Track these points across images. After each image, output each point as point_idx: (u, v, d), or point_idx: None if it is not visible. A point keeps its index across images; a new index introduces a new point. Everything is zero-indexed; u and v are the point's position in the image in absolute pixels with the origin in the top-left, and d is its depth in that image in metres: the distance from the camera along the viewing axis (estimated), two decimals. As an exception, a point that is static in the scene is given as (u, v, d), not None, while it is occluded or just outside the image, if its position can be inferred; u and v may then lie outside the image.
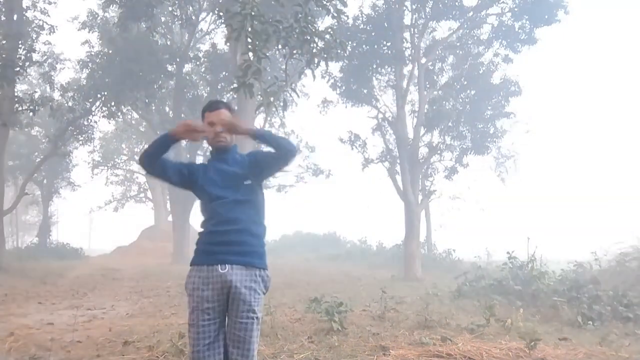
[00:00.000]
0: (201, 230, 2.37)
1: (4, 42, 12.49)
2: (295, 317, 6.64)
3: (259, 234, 2.37)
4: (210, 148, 2.52)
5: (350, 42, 14.92)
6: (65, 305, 8.01)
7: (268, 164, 2.39)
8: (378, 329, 5.81)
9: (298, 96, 15.15)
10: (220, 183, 2.35)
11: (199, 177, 2.41)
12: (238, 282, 2.20)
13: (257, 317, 2.24)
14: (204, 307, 2.18)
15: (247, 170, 2.37)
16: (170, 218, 23.73)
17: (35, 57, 13.64)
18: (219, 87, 17.79)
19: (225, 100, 2.63)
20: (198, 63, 18.44)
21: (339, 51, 6.88)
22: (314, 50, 6.26)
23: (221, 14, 10.12)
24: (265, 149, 2.38)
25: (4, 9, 13.65)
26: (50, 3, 15.20)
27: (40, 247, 22.69)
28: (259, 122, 16.68)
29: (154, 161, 2.35)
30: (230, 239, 2.25)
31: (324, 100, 19.91)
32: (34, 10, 14.67)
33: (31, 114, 12.77)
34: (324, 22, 14.52)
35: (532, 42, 15.62)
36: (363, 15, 15.75)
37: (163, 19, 18.53)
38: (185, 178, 2.43)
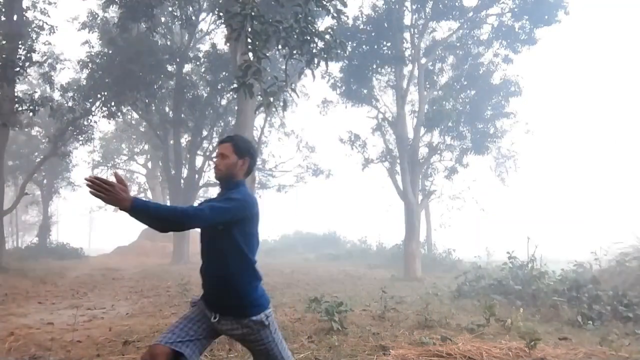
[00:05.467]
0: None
1: (4, 42, 12.49)
2: (295, 316, 6.64)
3: None
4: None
5: (350, 42, 14.93)
6: (65, 305, 8.01)
7: None
8: (378, 328, 5.81)
9: (298, 96, 15.15)
10: None
11: None
12: None
13: None
14: None
15: None
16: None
17: (35, 57, 13.62)
18: (219, 87, 17.78)
19: (238, 135, 2.59)
20: (198, 63, 18.44)
21: (339, 51, 6.87)
22: (314, 51, 6.25)
23: (221, 14, 10.13)
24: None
25: (4, 9, 13.64)
26: (50, 3, 15.20)
27: (40, 247, 22.70)
28: (259, 122, 16.67)
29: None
30: None
31: (324, 101, 19.93)
32: (34, 11, 14.67)
33: (31, 114, 12.77)
34: (324, 23, 14.52)
35: (532, 42, 15.63)
36: (363, 15, 15.77)
37: (163, 19, 18.52)
38: None
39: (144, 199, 2.02)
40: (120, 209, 1.94)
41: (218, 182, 2.43)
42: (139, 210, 1.93)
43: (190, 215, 2.04)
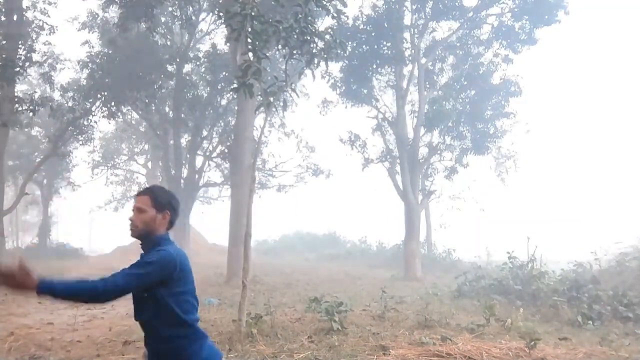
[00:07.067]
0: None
1: (4, 42, 12.49)
2: (295, 316, 6.64)
3: None
4: None
5: (350, 42, 14.93)
6: (65, 305, 8.00)
7: None
8: (378, 328, 5.81)
9: (298, 96, 15.15)
10: None
11: None
12: None
13: None
14: None
15: None
16: (170, 218, 23.66)
17: (35, 57, 13.63)
18: (219, 87, 17.78)
19: (156, 186, 2.33)
20: (198, 63, 18.44)
21: (339, 51, 6.87)
22: (314, 51, 6.25)
23: (221, 14, 10.13)
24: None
25: (4, 9, 13.64)
26: (50, 3, 15.17)
27: (40, 247, 22.70)
28: (259, 122, 16.66)
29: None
30: None
31: (324, 100, 19.93)
32: (34, 11, 14.64)
33: (31, 114, 12.77)
34: (324, 22, 14.52)
35: (532, 42, 15.63)
36: (363, 15, 15.77)
37: (163, 19, 18.50)
38: None
39: (50, 280, 1.83)
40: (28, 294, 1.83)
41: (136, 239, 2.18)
42: (45, 294, 1.80)
43: (100, 290, 1.86)
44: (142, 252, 2.15)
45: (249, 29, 5.65)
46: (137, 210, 2.14)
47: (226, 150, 18.21)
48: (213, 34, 21.02)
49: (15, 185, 24.29)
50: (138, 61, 15.14)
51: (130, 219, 2.15)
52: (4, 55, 11.46)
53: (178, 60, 17.68)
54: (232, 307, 7.40)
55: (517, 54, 16.23)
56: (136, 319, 2.16)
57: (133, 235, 2.16)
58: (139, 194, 2.21)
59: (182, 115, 18.46)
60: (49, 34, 14.64)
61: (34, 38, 14.20)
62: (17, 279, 1.76)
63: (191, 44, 19.26)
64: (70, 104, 16.03)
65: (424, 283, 13.29)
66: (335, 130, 21.03)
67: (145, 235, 2.14)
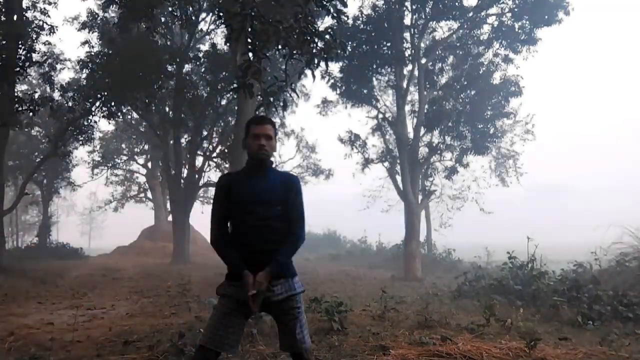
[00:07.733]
0: None
1: (4, 42, 12.49)
2: (295, 317, 6.63)
3: None
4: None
5: (350, 42, 14.94)
6: (65, 305, 8.01)
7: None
8: (378, 328, 5.81)
9: (298, 96, 15.15)
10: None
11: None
12: None
13: None
14: None
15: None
16: (170, 218, 23.73)
17: (35, 57, 13.63)
18: (219, 87, 17.78)
19: (270, 118, 2.59)
20: (198, 63, 18.44)
21: (339, 51, 6.87)
22: (314, 51, 6.25)
23: (221, 14, 10.12)
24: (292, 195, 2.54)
25: (4, 9, 13.64)
26: (50, 3, 15.18)
27: (40, 247, 22.70)
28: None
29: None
30: None
31: (324, 101, 19.93)
32: (34, 11, 14.64)
33: (31, 114, 12.78)
34: (324, 23, 14.51)
35: (532, 42, 15.64)
36: (363, 15, 15.77)
37: (163, 19, 18.51)
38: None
39: (278, 264, 2.45)
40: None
41: (260, 162, 2.39)
42: (283, 267, 2.47)
43: (302, 238, 2.61)
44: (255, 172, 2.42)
45: (249, 29, 5.64)
46: (268, 137, 2.36)
47: (226, 150, 18.22)
48: (213, 34, 21.03)
49: (15, 185, 24.29)
50: (138, 61, 15.13)
51: (263, 144, 2.34)
52: (4, 55, 11.47)
53: (178, 60, 17.67)
54: (232, 307, 7.37)
55: (517, 54, 16.25)
56: (261, 222, 2.43)
57: (266, 157, 2.38)
58: (263, 122, 2.41)
59: (182, 115, 18.45)
60: (49, 34, 14.63)
61: (34, 38, 14.18)
62: (264, 290, 2.32)
63: (191, 44, 19.26)
64: (70, 104, 16.02)
65: (424, 283, 13.29)
66: (335, 130, 21.03)
67: (270, 160, 2.42)
